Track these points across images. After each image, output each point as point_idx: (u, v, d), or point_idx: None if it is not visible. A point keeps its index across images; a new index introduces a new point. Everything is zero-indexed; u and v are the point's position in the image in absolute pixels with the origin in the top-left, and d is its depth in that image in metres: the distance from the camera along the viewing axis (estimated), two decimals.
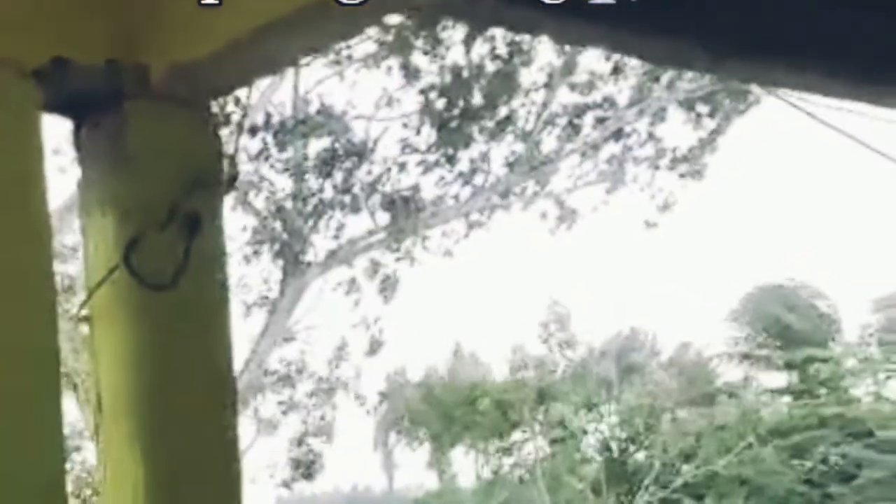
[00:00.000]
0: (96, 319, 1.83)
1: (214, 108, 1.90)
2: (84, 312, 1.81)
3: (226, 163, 1.97)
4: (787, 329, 21.50)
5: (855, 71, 1.89)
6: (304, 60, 12.11)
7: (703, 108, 14.35)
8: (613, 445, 19.90)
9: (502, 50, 13.92)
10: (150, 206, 1.83)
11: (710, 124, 14.45)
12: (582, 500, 19.36)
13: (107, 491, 1.76)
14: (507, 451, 20.75)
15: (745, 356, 21.93)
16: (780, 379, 22.18)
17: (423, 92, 14.41)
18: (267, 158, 14.63)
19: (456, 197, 14.57)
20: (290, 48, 1.87)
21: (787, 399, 21.94)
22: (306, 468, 15.19)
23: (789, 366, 21.64)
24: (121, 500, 1.74)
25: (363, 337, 15.29)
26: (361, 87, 15.04)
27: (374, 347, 15.32)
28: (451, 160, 14.35)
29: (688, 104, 14.35)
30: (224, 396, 1.83)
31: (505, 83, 13.86)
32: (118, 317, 1.84)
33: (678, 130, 14.62)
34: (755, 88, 13.39)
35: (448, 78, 14.10)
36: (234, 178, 1.99)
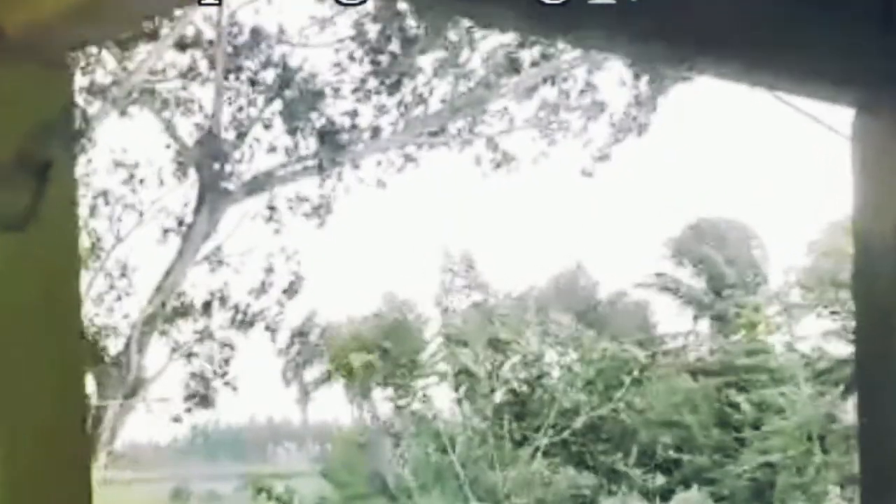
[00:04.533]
0: None
1: (71, 61, 1.88)
2: None
3: (76, 115, 1.89)
4: (714, 271, 21.75)
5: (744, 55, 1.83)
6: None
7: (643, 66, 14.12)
8: (516, 386, 20.04)
9: None
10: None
11: (648, 79, 14.25)
12: (481, 442, 19.52)
13: None
14: (411, 391, 20.80)
15: (668, 290, 22.14)
16: (700, 323, 22.50)
17: (355, 25, 14.07)
18: (195, 77, 14.19)
19: (394, 125, 14.30)
20: (145, 5, 1.87)
21: (703, 342, 22.27)
22: (202, 399, 14.96)
23: (708, 308, 21.93)
24: None
25: (283, 269, 15.04)
26: (293, 10, 14.61)
27: (293, 281, 15.08)
28: (389, 90, 14.07)
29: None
30: (74, 349, 1.68)
31: (445, 17, 13.55)
32: None
33: (616, 83, 14.41)
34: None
35: (384, 7, 13.75)
36: (83, 130, 1.93)
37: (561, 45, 13.97)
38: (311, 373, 27.08)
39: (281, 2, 14.36)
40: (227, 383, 14.99)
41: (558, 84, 14.27)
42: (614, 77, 14.40)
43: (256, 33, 14.30)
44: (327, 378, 25.08)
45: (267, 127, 14.35)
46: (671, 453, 19.75)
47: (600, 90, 14.28)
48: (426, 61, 14.26)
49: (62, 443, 1.63)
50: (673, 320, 22.66)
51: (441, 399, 20.54)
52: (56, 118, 1.72)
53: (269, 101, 14.27)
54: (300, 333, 21.88)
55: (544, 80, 14.23)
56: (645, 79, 14.19)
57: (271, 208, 14.45)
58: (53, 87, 1.74)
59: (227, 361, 14.91)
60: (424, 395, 20.58)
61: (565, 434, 19.18)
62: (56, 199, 1.71)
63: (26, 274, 1.68)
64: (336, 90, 14.34)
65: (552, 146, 14.51)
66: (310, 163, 14.38)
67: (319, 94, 14.26)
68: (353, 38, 14.39)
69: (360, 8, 14.20)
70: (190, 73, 14.28)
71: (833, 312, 20.40)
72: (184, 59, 14.26)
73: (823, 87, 1.94)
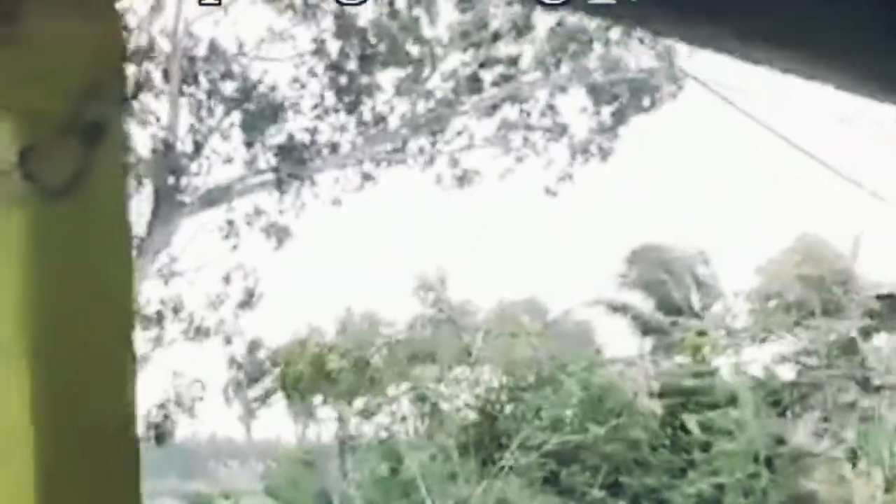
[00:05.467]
0: None
1: (123, 7, 1.70)
2: None
3: (131, 68, 1.73)
4: (663, 294, 21.89)
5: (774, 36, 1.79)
6: None
7: (605, 95, 14.18)
8: (484, 406, 20.01)
9: (402, 3, 13.61)
10: (48, 110, 1.55)
11: (610, 110, 14.30)
12: (445, 459, 19.42)
13: None
14: (369, 410, 20.65)
15: (625, 314, 22.25)
16: (649, 345, 22.61)
17: (315, 41, 14.00)
18: (150, 89, 14.01)
19: (353, 144, 14.22)
20: None
21: (652, 364, 22.38)
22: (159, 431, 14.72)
23: (659, 332, 22.06)
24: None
25: (239, 284, 14.85)
26: (250, 25, 14.50)
27: (249, 297, 14.91)
28: (348, 107, 13.99)
29: (591, 87, 14.18)
30: (124, 315, 1.55)
31: (406, 34, 13.56)
32: (4, 230, 1.53)
33: (578, 107, 14.42)
34: (663, 82, 13.45)
35: (344, 23, 13.71)
36: (139, 84, 1.74)
37: (523, 65, 14.05)
38: (258, 389, 26.78)
39: (239, 14, 14.25)
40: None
41: (519, 104, 14.30)
42: (576, 103, 14.46)
43: (214, 46, 14.18)
44: (274, 394, 24.82)
45: (225, 139, 14.21)
46: (622, 473, 19.83)
47: (562, 113, 14.33)
48: (386, 79, 14.23)
49: (110, 443, 1.50)
50: (621, 341, 22.77)
51: (395, 417, 20.42)
52: (108, 78, 1.60)
53: (227, 113, 14.14)
54: (249, 349, 21.66)
55: (504, 100, 14.24)
56: (607, 108, 14.28)
57: (229, 222, 14.28)
58: (105, 45, 1.64)
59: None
60: (378, 413, 20.45)
61: (530, 455, 19.16)
62: (104, 166, 1.61)
63: (70, 251, 1.57)
64: (295, 105, 14.24)
65: (516, 164, 14.52)
66: (267, 177, 14.25)
67: (278, 108, 14.16)
68: (312, 54, 14.31)
69: (321, 24, 14.15)
70: (146, 84, 14.12)
71: (780, 337, 20.66)
72: (139, 70, 14.11)
73: (879, 86, 1.92)
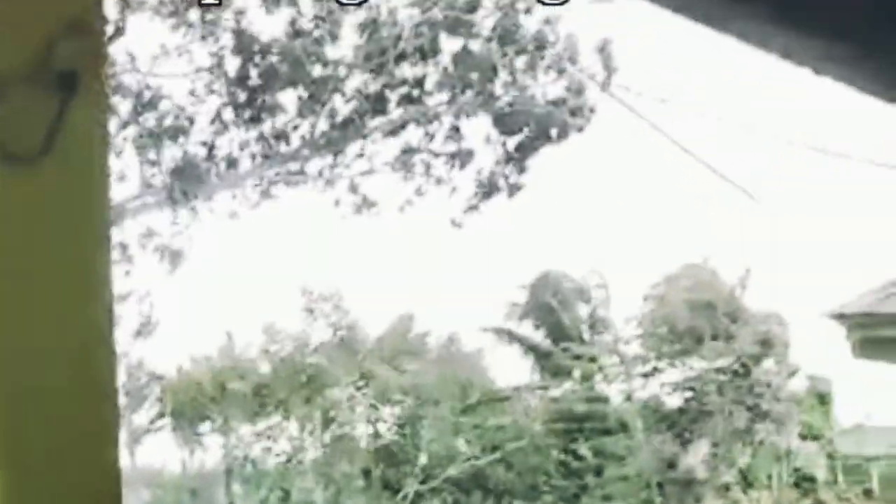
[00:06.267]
0: None
1: None
2: None
3: (111, 7, 1.53)
4: (555, 322, 22.03)
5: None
6: None
7: (510, 125, 14.15)
8: (383, 431, 19.84)
9: (306, 23, 13.45)
10: (14, 54, 1.36)
11: (516, 140, 14.28)
12: (348, 484, 19.16)
13: None
14: (265, 435, 20.25)
15: (517, 342, 22.32)
16: (542, 372, 22.71)
17: (213, 55, 13.73)
18: None
19: (253, 157, 13.93)
20: None
21: (543, 394, 22.49)
22: None
23: (550, 359, 22.19)
24: None
25: (132, 308, 14.39)
26: (145, 40, 14.14)
27: (141, 323, 14.46)
28: (246, 125, 13.73)
29: (497, 117, 14.14)
30: (100, 295, 1.37)
31: (308, 55, 13.40)
32: None
33: (482, 136, 14.35)
34: (568, 115, 13.51)
35: (243, 41, 13.48)
36: (120, 25, 1.55)
37: (428, 86, 14.00)
38: (143, 416, 26.02)
39: (133, 29, 13.87)
40: None
41: (424, 126, 14.21)
42: (481, 132, 14.40)
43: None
44: (160, 420, 24.15)
45: (118, 156, 13.77)
46: (518, 498, 19.84)
47: (466, 138, 14.27)
48: (288, 98, 14.03)
49: (85, 447, 1.31)
50: (512, 369, 22.83)
51: (288, 442, 20.06)
52: (84, 16, 1.35)
53: (121, 129, 13.71)
54: (134, 373, 21.04)
55: (408, 122, 14.14)
56: (512, 138, 14.27)
57: (122, 245, 13.79)
58: None
59: None
60: (269, 438, 20.07)
61: (434, 483, 19.02)
62: (80, 124, 1.33)
63: (40, 223, 1.34)
64: (191, 120, 13.92)
65: (417, 191, 14.41)
66: (162, 195, 13.86)
67: (174, 125, 13.81)
68: (210, 71, 14.02)
69: (220, 40, 13.88)
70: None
71: (671, 363, 20.99)
72: None
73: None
